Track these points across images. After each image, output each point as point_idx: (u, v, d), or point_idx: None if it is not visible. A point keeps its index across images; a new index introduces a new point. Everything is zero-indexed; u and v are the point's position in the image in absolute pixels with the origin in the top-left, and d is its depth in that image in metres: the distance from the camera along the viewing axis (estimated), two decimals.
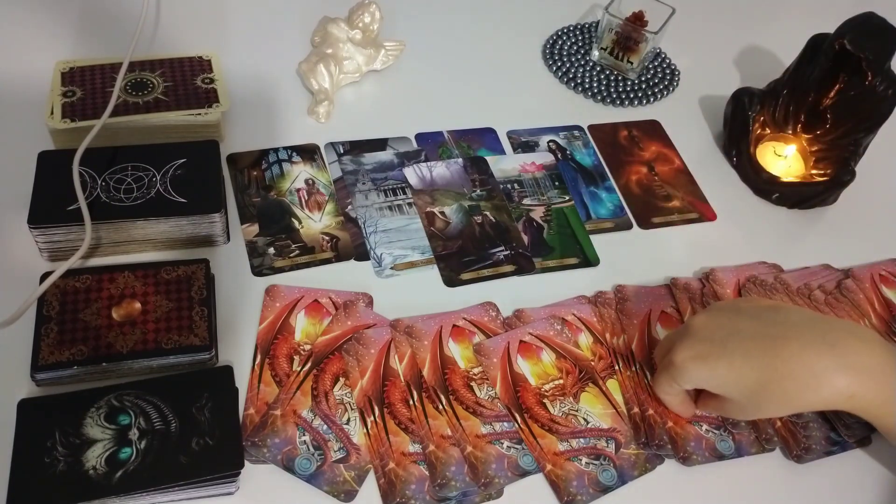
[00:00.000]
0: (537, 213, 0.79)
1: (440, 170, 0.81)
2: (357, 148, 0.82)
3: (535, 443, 0.62)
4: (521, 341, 0.67)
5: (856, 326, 0.61)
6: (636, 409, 0.65)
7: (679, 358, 0.59)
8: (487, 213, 0.78)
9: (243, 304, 0.67)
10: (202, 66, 0.81)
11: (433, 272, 0.73)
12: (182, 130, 0.76)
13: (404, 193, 0.78)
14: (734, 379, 0.57)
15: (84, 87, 0.76)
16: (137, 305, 0.62)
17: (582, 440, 0.63)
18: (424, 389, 0.63)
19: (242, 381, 0.62)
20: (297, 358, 0.64)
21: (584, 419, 0.64)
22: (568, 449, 0.62)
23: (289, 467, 0.58)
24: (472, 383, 0.64)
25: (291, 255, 0.71)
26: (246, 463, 0.57)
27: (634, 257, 0.77)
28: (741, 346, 0.57)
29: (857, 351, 0.57)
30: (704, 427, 0.64)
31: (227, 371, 0.61)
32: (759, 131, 0.86)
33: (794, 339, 0.57)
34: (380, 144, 0.82)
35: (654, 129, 0.91)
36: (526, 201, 0.80)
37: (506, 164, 0.83)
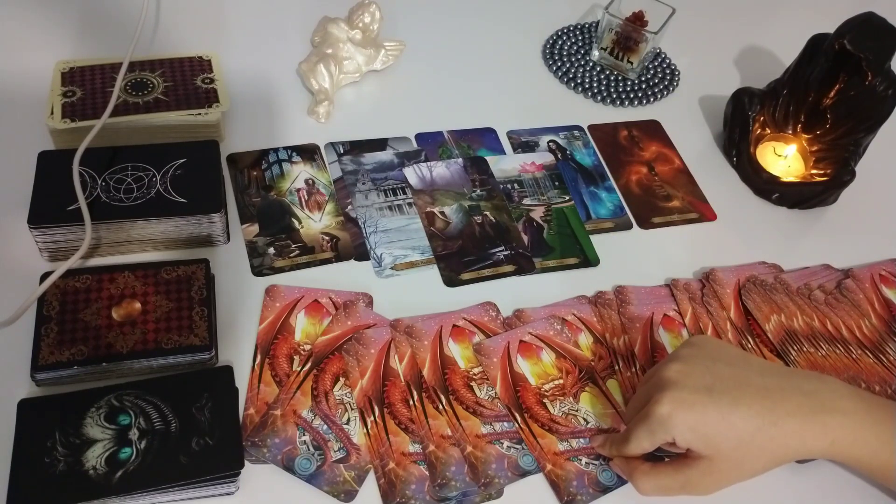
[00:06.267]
0: (537, 213, 0.79)
1: (440, 170, 0.81)
2: (357, 148, 0.82)
3: (535, 443, 0.62)
4: (521, 341, 0.67)
5: (822, 375, 0.60)
6: None
7: (664, 409, 0.54)
8: (487, 213, 0.78)
9: (243, 304, 0.67)
10: (202, 66, 0.81)
11: (433, 272, 0.73)
12: (182, 130, 0.76)
13: (404, 193, 0.78)
14: (724, 428, 0.54)
15: (84, 87, 0.76)
16: (137, 305, 0.62)
17: (582, 440, 0.63)
18: (424, 389, 0.63)
19: (242, 381, 0.62)
20: (297, 358, 0.64)
21: (584, 419, 0.64)
22: (568, 449, 0.62)
23: (289, 467, 0.58)
24: (472, 383, 0.64)
25: (291, 255, 0.71)
26: (246, 463, 0.57)
27: (634, 257, 0.77)
28: (729, 393, 0.55)
29: (833, 397, 0.57)
30: None
31: (227, 371, 0.61)
32: (759, 131, 0.86)
33: (775, 387, 0.56)
34: (380, 144, 0.82)
35: (654, 129, 0.91)
36: (526, 201, 0.80)
37: (506, 164, 0.83)
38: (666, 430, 0.55)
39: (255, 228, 0.73)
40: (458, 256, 0.74)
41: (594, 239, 0.78)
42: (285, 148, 0.80)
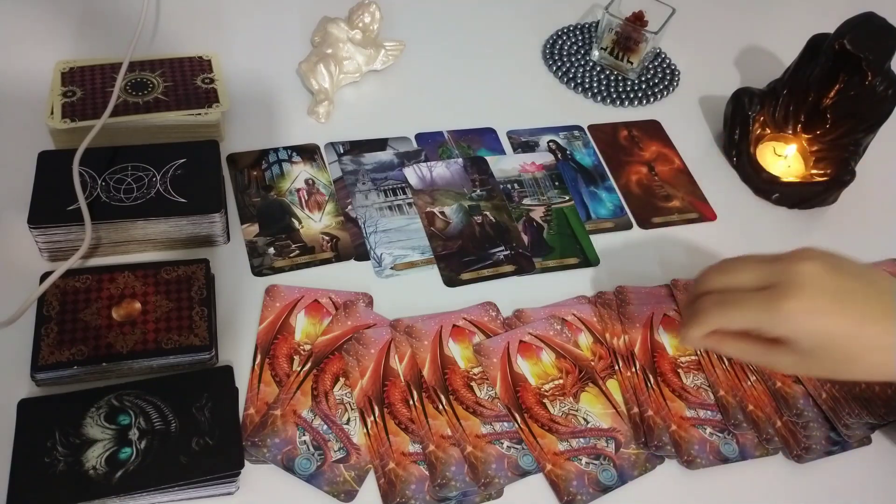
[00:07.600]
0: (537, 213, 0.79)
1: (440, 170, 0.81)
2: (357, 148, 0.82)
3: (535, 443, 0.62)
4: (521, 341, 0.67)
5: None
6: (636, 410, 0.65)
7: (795, 307, 0.53)
8: (487, 213, 0.78)
9: (243, 304, 0.67)
10: (202, 66, 0.81)
11: (433, 272, 0.73)
12: (182, 130, 0.76)
13: (404, 193, 0.78)
14: (854, 336, 0.54)
15: (84, 87, 0.76)
16: (137, 305, 0.62)
17: (582, 440, 0.63)
18: (424, 389, 0.63)
19: (242, 381, 0.62)
20: (297, 358, 0.64)
21: (584, 419, 0.64)
22: (568, 449, 0.62)
23: (289, 467, 0.58)
24: (472, 383, 0.64)
25: (291, 255, 0.71)
26: (246, 463, 0.57)
27: (634, 257, 0.77)
28: (857, 308, 0.54)
29: None
30: (708, 430, 0.64)
31: (227, 371, 0.61)
32: (759, 131, 0.86)
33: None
34: (380, 144, 0.82)
35: (654, 129, 0.91)
36: (526, 201, 0.80)
37: (506, 164, 0.83)
38: (786, 327, 0.54)
39: (255, 228, 0.73)
40: (458, 256, 0.74)
41: (594, 239, 0.78)
42: (285, 148, 0.80)
